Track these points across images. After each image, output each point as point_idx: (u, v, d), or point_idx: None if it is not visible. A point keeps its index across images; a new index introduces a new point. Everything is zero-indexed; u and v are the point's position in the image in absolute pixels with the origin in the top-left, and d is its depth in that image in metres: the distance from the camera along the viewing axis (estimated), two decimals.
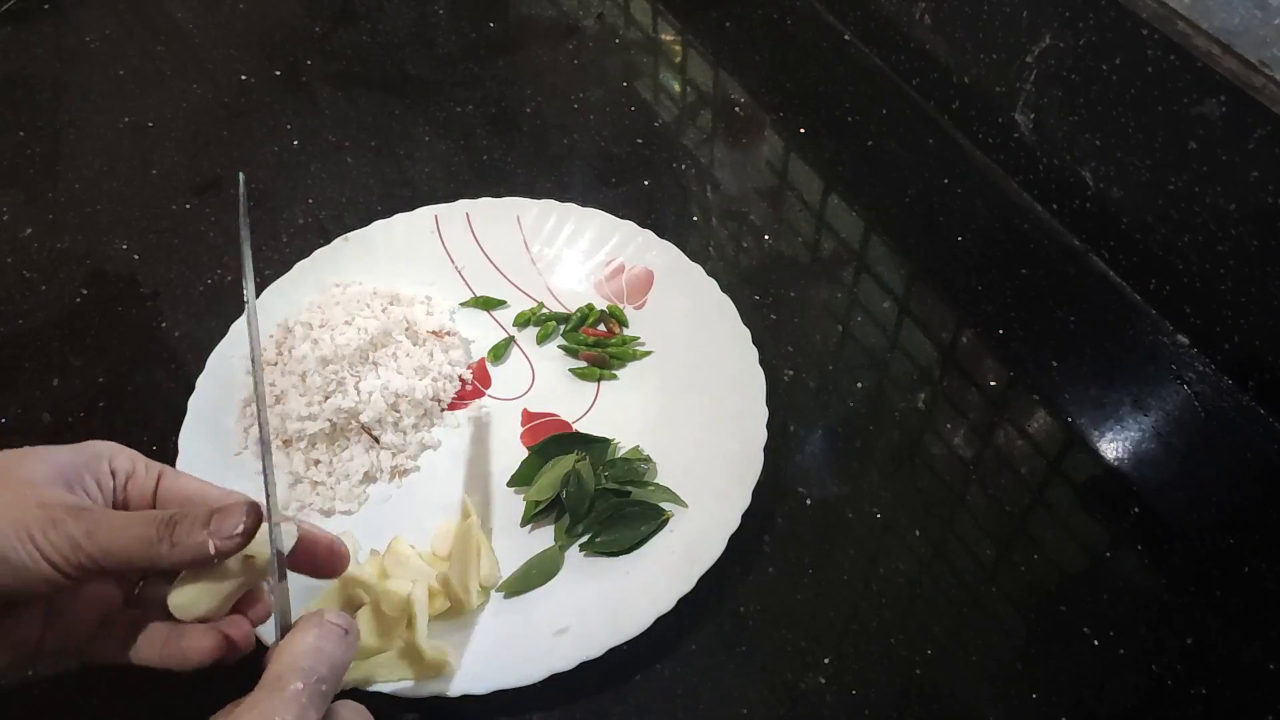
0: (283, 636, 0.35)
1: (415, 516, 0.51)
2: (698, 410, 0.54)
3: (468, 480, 0.53)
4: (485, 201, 0.64)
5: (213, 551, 0.34)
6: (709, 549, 0.48)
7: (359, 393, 0.53)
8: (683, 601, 0.46)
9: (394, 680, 0.43)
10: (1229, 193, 0.53)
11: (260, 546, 0.37)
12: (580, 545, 0.50)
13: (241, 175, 0.44)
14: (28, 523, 0.33)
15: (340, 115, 0.75)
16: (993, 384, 0.58)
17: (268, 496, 0.37)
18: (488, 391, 0.57)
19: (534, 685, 0.44)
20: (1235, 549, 0.50)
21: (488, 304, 0.61)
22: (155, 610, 0.39)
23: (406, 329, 0.57)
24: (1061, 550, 0.50)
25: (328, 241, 0.62)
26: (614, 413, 0.56)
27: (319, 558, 0.40)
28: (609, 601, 0.47)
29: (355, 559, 0.45)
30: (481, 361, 0.59)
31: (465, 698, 0.44)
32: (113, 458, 0.38)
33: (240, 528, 0.35)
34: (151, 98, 0.77)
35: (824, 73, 0.78)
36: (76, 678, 0.46)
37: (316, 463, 0.53)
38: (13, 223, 0.68)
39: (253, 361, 0.39)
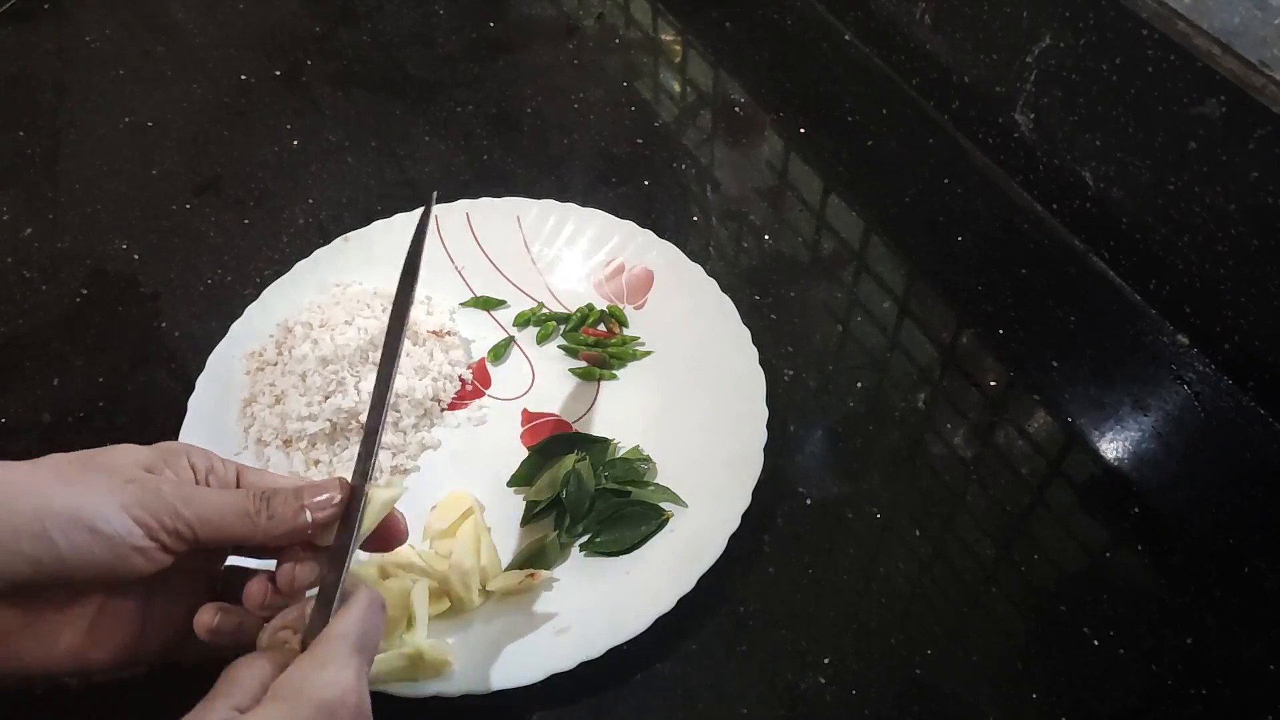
0: (336, 600, 0.36)
1: (415, 516, 0.51)
2: (698, 410, 0.54)
3: (468, 480, 0.53)
4: (485, 201, 0.64)
5: (309, 520, 0.36)
6: (709, 549, 0.48)
7: (359, 393, 0.53)
8: (683, 601, 0.46)
9: (394, 680, 0.43)
10: (1229, 193, 0.53)
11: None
12: (580, 545, 0.50)
13: (435, 194, 0.47)
14: (120, 496, 0.33)
15: (340, 115, 0.75)
16: (993, 384, 0.58)
17: (369, 469, 0.38)
18: (488, 391, 0.57)
19: (534, 685, 0.44)
20: (1235, 549, 0.50)
21: (488, 304, 0.61)
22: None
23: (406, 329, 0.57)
24: (1061, 550, 0.50)
25: (328, 241, 0.62)
26: (614, 413, 0.56)
27: (384, 532, 0.40)
28: (609, 601, 0.47)
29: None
30: (481, 361, 0.59)
31: (465, 698, 0.44)
32: (189, 453, 0.38)
33: (337, 497, 0.37)
34: (151, 98, 0.77)
35: (824, 73, 0.78)
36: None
37: (317, 463, 0.53)
38: (13, 223, 0.68)
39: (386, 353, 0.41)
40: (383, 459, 0.53)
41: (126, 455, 0.36)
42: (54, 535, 0.32)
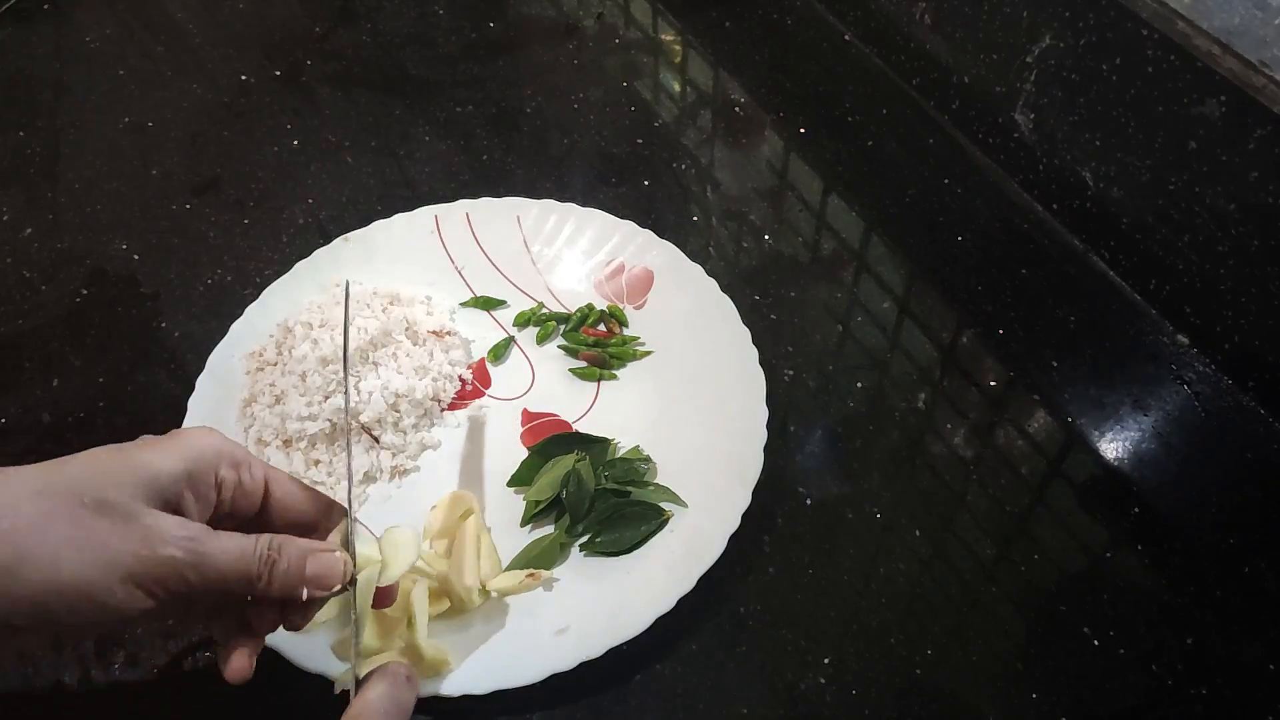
0: (357, 680, 0.38)
1: (415, 517, 0.51)
2: (698, 410, 0.54)
3: (468, 480, 0.53)
4: (485, 201, 0.64)
5: (304, 599, 0.37)
6: (709, 549, 0.48)
7: (359, 393, 0.53)
8: (683, 601, 0.46)
9: None
10: (1229, 193, 0.53)
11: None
12: (580, 545, 0.50)
13: (348, 281, 0.50)
14: (128, 564, 0.32)
15: (340, 115, 0.75)
16: (993, 384, 0.58)
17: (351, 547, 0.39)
18: (488, 391, 0.57)
19: (534, 685, 0.44)
20: (1235, 549, 0.50)
21: (488, 304, 0.61)
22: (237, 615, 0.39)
23: (406, 329, 0.57)
24: (1061, 550, 0.50)
25: (328, 241, 0.62)
26: (614, 413, 0.56)
27: (377, 599, 0.41)
28: (609, 601, 0.47)
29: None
30: (481, 361, 0.59)
31: (465, 698, 0.44)
32: (218, 467, 0.37)
33: (336, 585, 0.38)
34: (151, 98, 0.77)
35: (824, 73, 0.78)
36: (76, 678, 0.46)
37: (316, 463, 0.53)
38: (13, 223, 0.68)
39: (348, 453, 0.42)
40: (383, 459, 0.53)
41: (145, 486, 0.34)
42: (57, 611, 0.32)
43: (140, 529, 0.33)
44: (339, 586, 0.38)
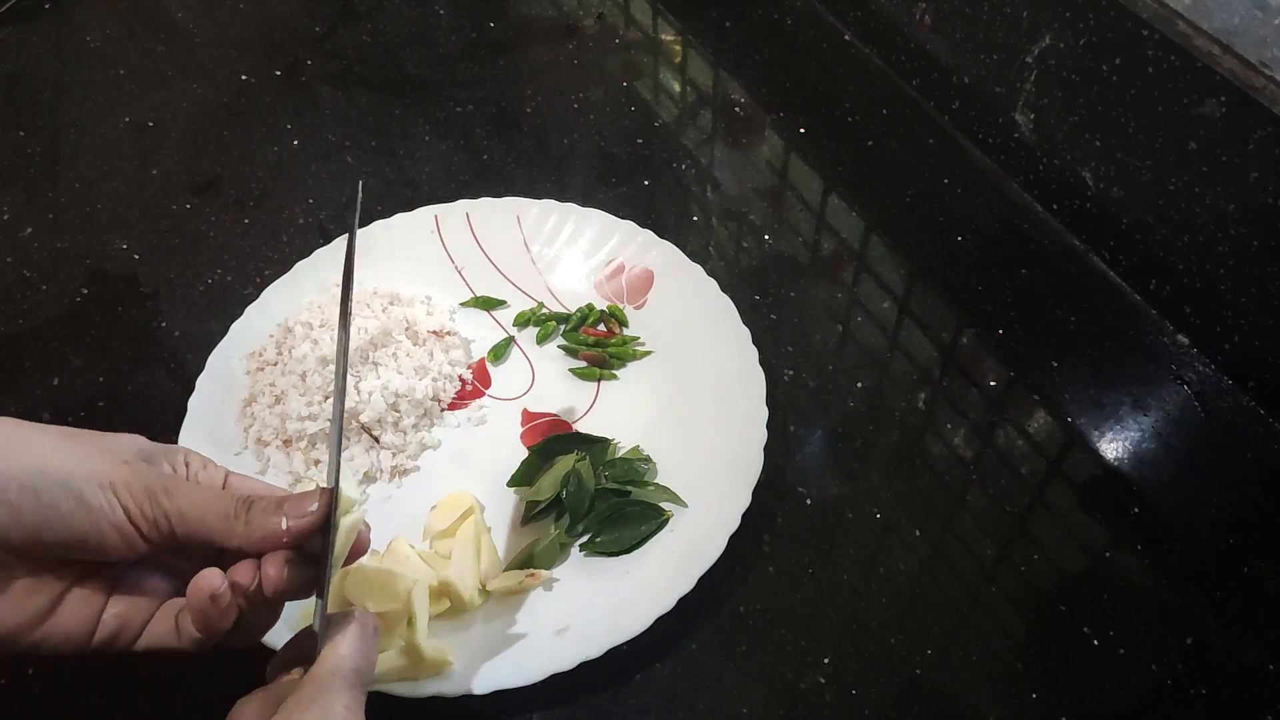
0: (324, 629, 0.36)
1: (415, 516, 0.51)
2: (698, 410, 0.54)
3: (468, 480, 0.53)
4: (485, 201, 0.64)
5: (284, 529, 0.36)
6: (709, 549, 0.48)
7: (359, 393, 0.53)
8: (683, 601, 0.46)
9: (394, 680, 0.43)
10: (1229, 193, 0.53)
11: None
12: (580, 545, 0.50)
13: (360, 183, 0.45)
14: (110, 474, 0.34)
15: (340, 115, 0.75)
16: (993, 384, 0.58)
17: (335, 495, 0.38)
18: (488, 391, 0.57)
19: (534, 685, 0.44)
20: (1235, 549, 0.50)
21: (488, 304, 0.61)
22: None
23: (406, 329, 0.57)
24: (1061, 550, 0.50)
25: (328, 241, 0.62)
26: (614, 413, 0.56)
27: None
28: (609, 601, 0.47)
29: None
30: (481, 361, 0.59)
31: (465, 698, 0.44)
32: (187, 454, 0.40)
33: (314, 506, 0.36)
34: (151, 98, 0.77)
35: (824, 73, 0.78)
36: (76, 676, 0.46)
37: (317, 462, 0.53)
38: (13, 222, 0.68)
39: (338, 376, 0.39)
40: (383, 459, 0.53)
41: (129, 442, 0.37)
42: (41, 494, 0.33)
43: (119, 458, 0.36)
44: (316, 509, 0.36)
